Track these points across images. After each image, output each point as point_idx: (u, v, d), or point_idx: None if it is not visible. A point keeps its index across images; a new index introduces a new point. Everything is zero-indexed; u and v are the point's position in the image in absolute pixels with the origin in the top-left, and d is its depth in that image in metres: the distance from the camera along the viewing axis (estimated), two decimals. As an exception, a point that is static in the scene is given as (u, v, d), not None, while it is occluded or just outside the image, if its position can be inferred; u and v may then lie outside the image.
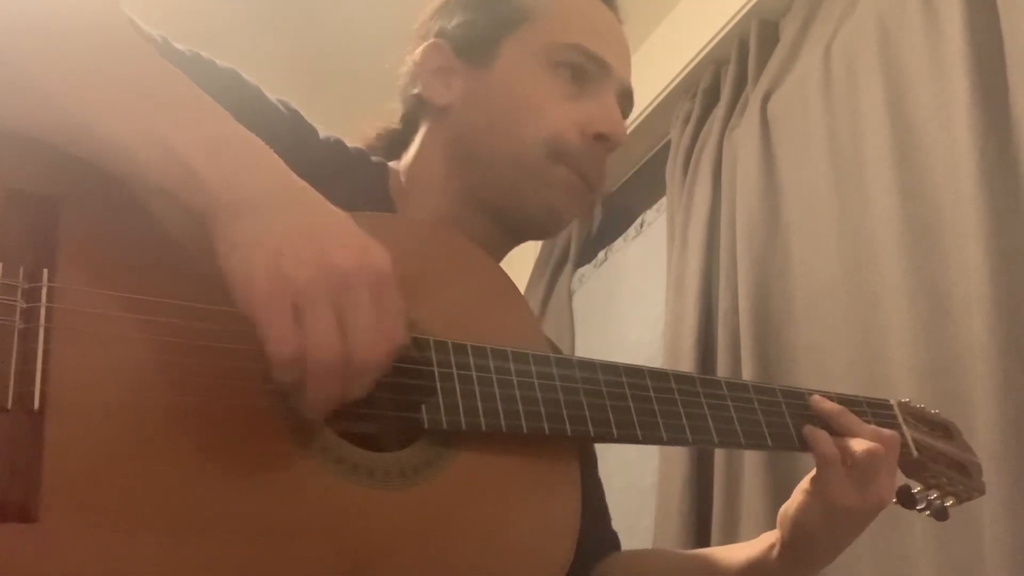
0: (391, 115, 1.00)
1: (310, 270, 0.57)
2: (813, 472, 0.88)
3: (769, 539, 0.91)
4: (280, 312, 0.56)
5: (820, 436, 0.85)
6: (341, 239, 0.60)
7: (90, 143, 0.59)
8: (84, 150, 0.59)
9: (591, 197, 0.92)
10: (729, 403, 0.84)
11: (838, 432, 0.86)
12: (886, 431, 0.87)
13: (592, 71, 0.89)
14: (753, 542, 0.94)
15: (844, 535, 0.87)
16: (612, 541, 1.04)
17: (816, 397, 0.89)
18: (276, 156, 0.63)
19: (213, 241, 0.58)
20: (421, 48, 0.93)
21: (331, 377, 0.58)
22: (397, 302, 0.61)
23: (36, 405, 0.54)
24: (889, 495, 0.86)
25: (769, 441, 0.85)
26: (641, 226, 2.44)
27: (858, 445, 0.84)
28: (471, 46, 0.91)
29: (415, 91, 0.93)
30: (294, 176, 0.62)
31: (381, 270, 0.61)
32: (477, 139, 0.89)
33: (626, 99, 0.94)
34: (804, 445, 0.86)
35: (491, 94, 0.89)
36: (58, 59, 0.59)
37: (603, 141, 0.88)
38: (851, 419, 0.87)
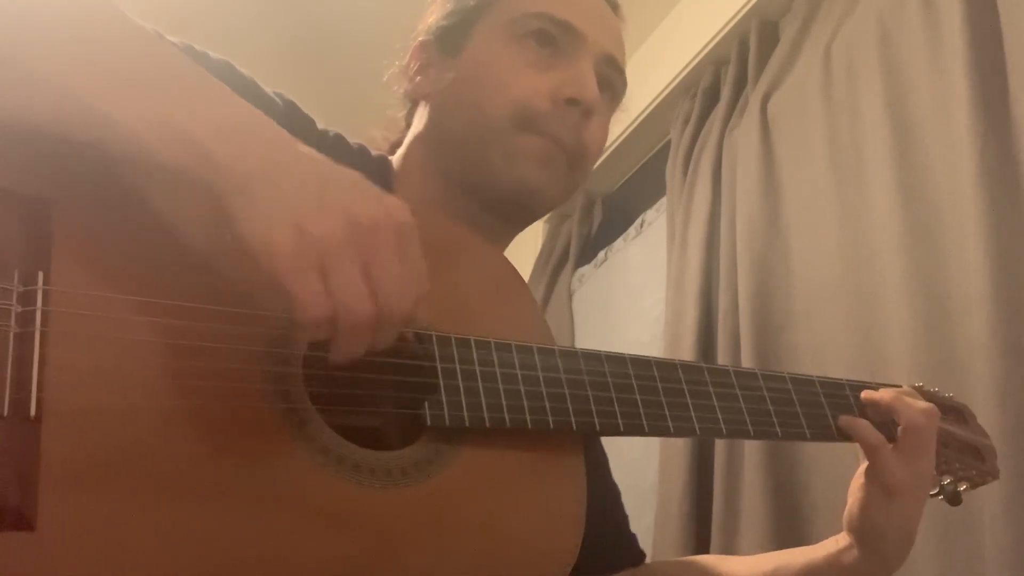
0: (399, 123, 1.00)
1: (334, 226, 0.57)
2: (862, 471, 0.86)
3: (840, 542, 0.89)
4: (308, 274, 0.56)
5: (861, 424, 0.85)
6: (360, 194, 0.60)
7: (96, 127, 0.58)
8: (90, 134, 0.58)
9: (571, 169, 0.90)
10: (738, 392, 0.82)
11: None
12: (923, 404, 0.87)
13: (561, 38, 0.88)
14: (819, 546, 0.91)
15: (908, 520, 0.85)
16: (632, 553, 1.01)
17: (865, 392, 0.89)
18: (282, 129, 0.62)
19: (229, 215, 0.57)
20: (409, 50, 0.95)
21: (362, 332, 0.59)
22: (419, 251, 0.61)
23: (33, 412, 0.54)
24: (931, 466, 0.86)
25: (779, 430, 0.83)
26: (641, 226, 2.43)
27: (900, 422, 0.85)
28: (448, 37, 0.92)
29: (402, 91, 0.95)
30: (302, 145, 0.62)
31: (403, 220, 0.61)
32: (448, 122, 0.90)
33: (608, 67, 0.92)
34: (815, 435, 0.85)
35: (460, 76, 0.89)
36: (56, 45, 0.58)
37: (575, 105, 0.87)
38: (903, 401, 0.87)
